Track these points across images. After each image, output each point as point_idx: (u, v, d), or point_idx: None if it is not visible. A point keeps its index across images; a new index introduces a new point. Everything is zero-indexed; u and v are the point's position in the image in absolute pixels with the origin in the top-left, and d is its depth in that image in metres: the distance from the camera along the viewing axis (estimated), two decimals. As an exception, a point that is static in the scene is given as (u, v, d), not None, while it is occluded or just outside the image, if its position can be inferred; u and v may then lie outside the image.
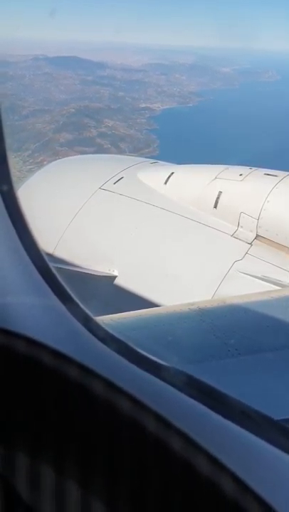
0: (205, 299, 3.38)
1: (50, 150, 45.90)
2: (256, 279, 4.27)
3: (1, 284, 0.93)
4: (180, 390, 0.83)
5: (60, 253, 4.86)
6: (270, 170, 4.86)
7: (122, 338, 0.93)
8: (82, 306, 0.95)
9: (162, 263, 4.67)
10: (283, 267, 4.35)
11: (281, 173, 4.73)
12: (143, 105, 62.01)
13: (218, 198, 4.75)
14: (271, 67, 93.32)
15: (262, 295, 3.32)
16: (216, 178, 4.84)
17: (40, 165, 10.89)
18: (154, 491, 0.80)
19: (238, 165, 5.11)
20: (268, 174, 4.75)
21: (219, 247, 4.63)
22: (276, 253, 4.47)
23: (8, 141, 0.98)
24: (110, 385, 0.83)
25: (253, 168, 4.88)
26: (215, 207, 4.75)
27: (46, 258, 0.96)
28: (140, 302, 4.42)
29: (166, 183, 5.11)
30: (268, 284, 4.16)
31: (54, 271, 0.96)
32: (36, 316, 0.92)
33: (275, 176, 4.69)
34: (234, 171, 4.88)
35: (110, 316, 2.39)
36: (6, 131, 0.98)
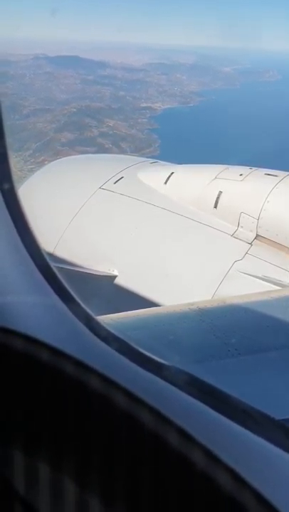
0: (205, 299, 3.38)
1: (51, 150, 45.89)
2: (256, 279, 4.27)
3: (1, 283, 0.93)
4: (181, 389, 0.83)
5: (60, 253, 4.86)
6: (270, 170, 4.86)
7: (122, 337, 0.93)
8: (83, 305, 0.95)
9: (162, 263, 4.67)
10: (283, 267, 4.35)
11: (281, 173, 4.73)
12: (144, 105, 62.01)
13: (218, 197, 4.75)
14: (272, 67, 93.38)
15: (262, 295, 3.32)
16: (216, 178, 4.84)
17: (41, 164, 10.88)
18: (154, 490, 0.81)
19: (238, 165, 5.11)
20: (268, 174, 4.75)
21: (219, 247, 4.63)
22: (276, 253, 4.47)
23: (9, 141, 0.98)
24: (111, 384, 0.83)
25: (253, 168, 4.88)
26: (215, 207, 4.76)
27: (47, 257, 0.96)
28: (140, 302, 4.42)
29: (166, 182, 5.11)
30: (268, 284, 4.17)
31: (55, 270, 0.96)
32: (37, 315, 0.92)
33: (275, 176, 4.70)
34: (234, 170, 4.88)
35: (110, 315, 2.39)
36: (7, 130, 0.98)
